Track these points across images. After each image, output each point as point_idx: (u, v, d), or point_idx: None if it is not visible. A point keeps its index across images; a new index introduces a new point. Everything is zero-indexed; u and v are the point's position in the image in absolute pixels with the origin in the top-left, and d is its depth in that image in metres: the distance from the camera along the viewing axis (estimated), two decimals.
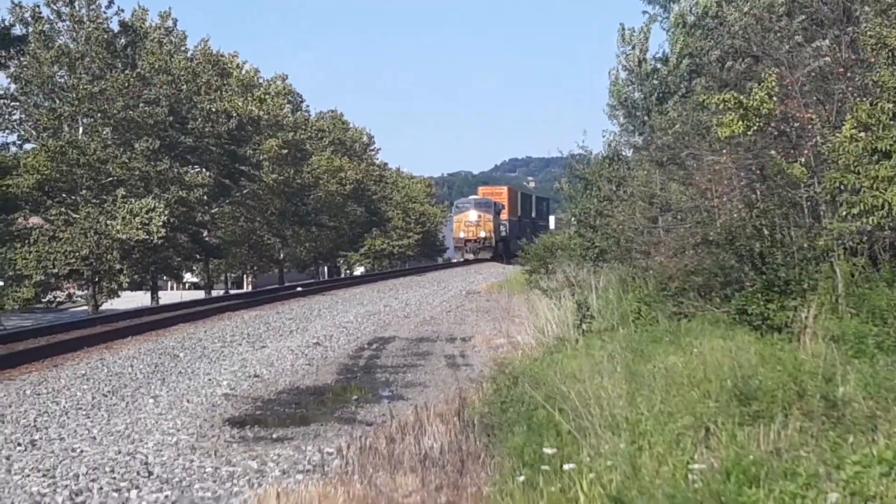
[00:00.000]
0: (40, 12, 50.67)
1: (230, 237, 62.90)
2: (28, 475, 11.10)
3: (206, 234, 58.22)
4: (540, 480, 7.93)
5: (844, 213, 13.51)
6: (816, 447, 7.92)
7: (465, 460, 10.05)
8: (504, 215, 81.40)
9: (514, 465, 8.76)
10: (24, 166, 45.49)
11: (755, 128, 15.11)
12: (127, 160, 47.57)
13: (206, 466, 11.46)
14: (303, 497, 9.43)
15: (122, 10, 51.70)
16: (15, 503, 10.05)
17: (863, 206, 13.01)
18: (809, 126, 15.06)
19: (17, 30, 48.05)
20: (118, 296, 48.06)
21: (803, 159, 14.71)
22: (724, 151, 17.42)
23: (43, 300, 46.28)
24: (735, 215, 16.21)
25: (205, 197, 52.69)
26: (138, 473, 11.14)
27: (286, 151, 66.43)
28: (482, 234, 75.33)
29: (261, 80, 69.05)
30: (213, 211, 57.29)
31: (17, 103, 51.54)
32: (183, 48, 58.27)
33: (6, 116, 51.59)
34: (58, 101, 48.77)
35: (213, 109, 53.93)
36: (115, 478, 10.94)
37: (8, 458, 12.00)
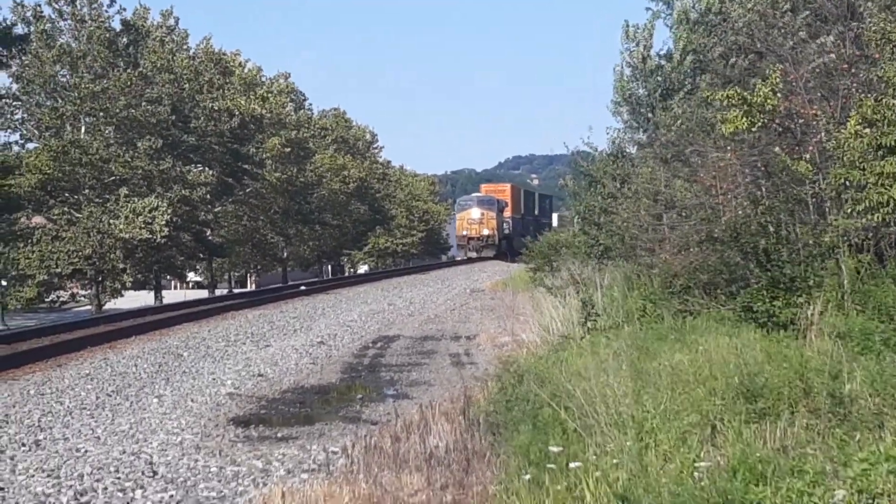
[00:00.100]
0: (42, 11, 50.63)
1: (233, 236, 62.82)
2: (32, 475, 11.09)
3: (209, 233, 58.14)
4: (546, 479, 7.91)
5: (850, 209, 13.46)
6: (823, 444, 7.91)
7: (471, 459, 10.03)
8: (507, 213, 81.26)
9: (520, 464, 8.74)
10: (26, 166, 45.42)
11: (759, 124, 15.07)
12: (129, 159, 47.50)
13: (211, 466, 11.44)
14: (308, 496, 9.40)
15: (124, 9, 51.63)
16: (20, 503, 10.04)
17: (868, 203, 12.96)
18: (814, 122, 15.03)
19: (19, 29, 48.01)
20: (121, 295, 48.01)
21: (808, 156, 14.67)
22: (729, 148, 17.40)
23: (46, 300, 46.28)
24: (740, 212, 16.19)
25: (208, 196, 52.62)
26: (143, 473, 11.13)
27: (289, 150, 66.37)
28: (485, 232, 75.21)
29: (263, 79, 68.99)
30: (216, 210, 57.20)
31: (20, 102, 51.44)
32: (185, 47, 58.20)
33: (8, 116, 51.49)
34: (60, 101, 48.71)
35: (216, 108, 53.86)
36: (119, 478, 10.93)
37: (12, 458, 11.99)
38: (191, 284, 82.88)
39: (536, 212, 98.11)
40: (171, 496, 10.19)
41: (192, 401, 16.06)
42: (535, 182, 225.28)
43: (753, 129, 15.24)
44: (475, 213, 75.71)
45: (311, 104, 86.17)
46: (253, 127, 59.55)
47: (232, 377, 18.59)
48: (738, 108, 15.01)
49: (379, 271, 72.92)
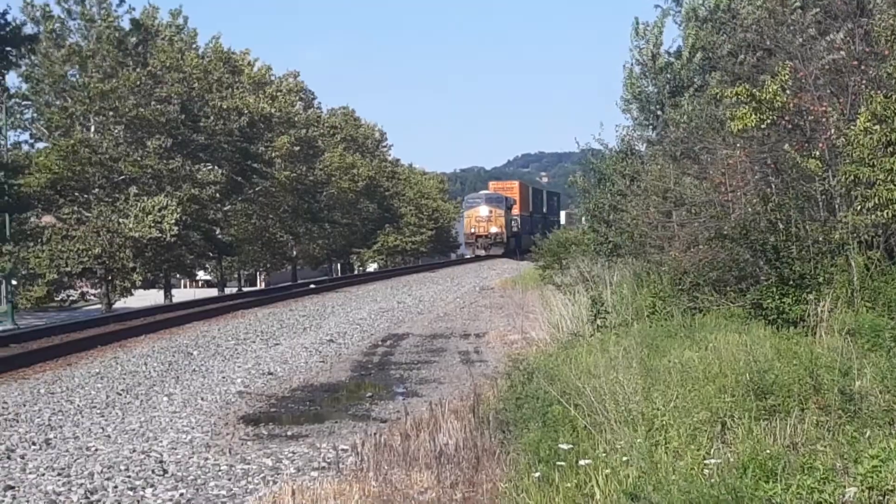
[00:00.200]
0: (51, 11, 50.69)
1: (243, 234, 62.87)
2: (43, 474, 11.11)
3: (218, 231, 58.15)
4: (556, 476, 7.90)
5: (859, 206, 13.45)
6: (833, 441, 7.89)
7: (481, 457, 10.02)
8: (515, 210, 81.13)
9: (530, 461, 8.72)
10: (36, 165, 45.53)
11: (768, 121, 15.04)
12: (139, 158, 47.55)
13: (221, 464, 11.46)
14: (318, 494, 9.40)
15: (133, 9, 51.44)
16: (30, 502, 10.05)
17: (878, 200, 12.95)
18: (824, 119, 14.99)
19: (28, 28, 47.88)
20: (131, 294, 48.11)
21: (818, 153, 14.64)
22: (738, 145, 17.37)
23: (56, 299, 46.43)
24: (749, 209, 16.17)
25: (217, 194, 52.64)
26: (153, 472, 11.14)
27: (298, 148, 66.47)
28: (493, 230, 75.13)
29: (272, 78, 69.02)
30: (225, 208, 57.25)
31: (29, 102, 51.53)
32: (194, 46, 58.24)
33: (18, 115, 51.61)
34: (69, 100, 48.66)
35: (225, 107, 53.87)
36: (129, 476, 10.94)
37: (23, 456, 12.02)
38: (200, 283, 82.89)
39: (545, 209, 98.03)
40: (182, 494, 10.20)
41: (201, 399, 16.09)
42: (545, 180, 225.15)
43: (763, 127, 15.21)
44: (483, 210, 75.64)
45: (319, 103, 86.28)
46: (262, 126, 59.56)
47: (242, 375, 18.62)
48: (748, 104, 14.98)
49: (388, 269, 72.91)
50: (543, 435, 9.30)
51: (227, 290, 61.18)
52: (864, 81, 14.92)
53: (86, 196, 47.69)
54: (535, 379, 12.23)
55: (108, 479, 10.82)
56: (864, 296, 13.19)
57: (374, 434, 12.18)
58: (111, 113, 47.84)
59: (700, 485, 7.03)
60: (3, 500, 10.07)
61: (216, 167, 54.16)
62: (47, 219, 49.80)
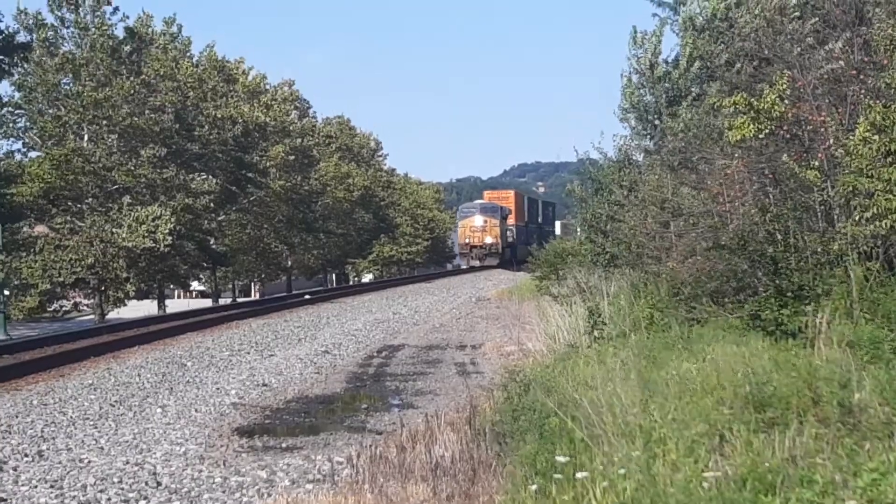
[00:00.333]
0: (44, 19, 50.56)
1: (237, 245, 62.81)
2: (35, 486, 11.05)
3: (212, 241, 58.14)
4: (553, 489, 7.84)
5: (858, 216, 13.39)
6: (833, 454, 7.82)
7: (477, 469, 9.95)
8: (511, 220, 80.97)
9: (527, 474, 8.66)
10: (28, 174, 45.43)
11: (766, 131, 15.00)
12: (133, 168, 47.46)
13: (215, 476, 11.40)
14: None
15: (127, 17, 51.31)
16: None
17: (877, 210, 12.90)
18: (822, 129, 14.95)
19: (22, 36, 47.81)
20: (125, 304, 48.03)
21: (816, 163, 14.60)
22: (736, 155, 17.33)
23: (49, 309, 46.33)
24: (747, 220, 16.12)
25: (211, 204, 52.57)
26: (147, 484, 11.08)
27: (293, 158, 66.46)
28: (488, 240, 74.98)
29: (267, 86, 68.99)
30: (219, 218, 57.18)
31: (22, 111, 51.33)
32: (188, 54, 58.16)
33: (11, 124, 51.44)
34: (62, 109, 48.54)
35: (220, 116, 53.85)
36: (123, 488, 10.88)
37: (15, 468, 11.95)
38: (194, 293, 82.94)
39: (540, 219, 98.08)
40: None
41: (195, 411, 16.02)
42: (542, 190, 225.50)
43: (761, 136, 15.17)
44: (478, 220, 75.50)
45: (315, 111, 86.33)
46: (257, 135, 59.52)
47: (236, 387, 18.55)
48: (746, 114, 14.94)
49: (384, 280, 72.89)
50: (540, 447, 9.24)
51: (222, 301, 61.07)
52: (862, 91, 14.88)
53: (79, 205, 47.58)
54: (531, 391, 12.18)
55: (101, 491, 10.75)
56: (863, 307, 13.12)
57: (370, 446, 12.10)
58: (105, 122, 47.71)
59: (698, 498, 6.97)
60: None
61: (210, 177, 54.16)
62: (40, 228, 49.70)
